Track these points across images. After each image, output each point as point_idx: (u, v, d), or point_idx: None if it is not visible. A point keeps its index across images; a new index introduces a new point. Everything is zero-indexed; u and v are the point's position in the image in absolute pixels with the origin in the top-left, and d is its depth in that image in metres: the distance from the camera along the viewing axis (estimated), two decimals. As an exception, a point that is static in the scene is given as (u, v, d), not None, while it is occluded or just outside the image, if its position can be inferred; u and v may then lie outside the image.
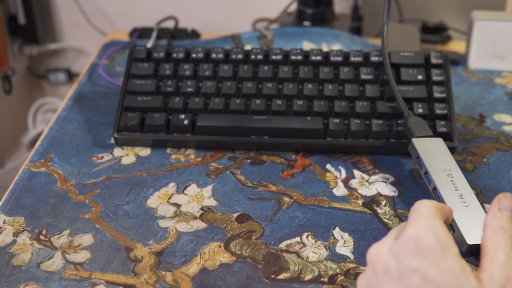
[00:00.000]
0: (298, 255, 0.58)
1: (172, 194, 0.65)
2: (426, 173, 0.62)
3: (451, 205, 0.58)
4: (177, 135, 0.71)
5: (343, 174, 0.68)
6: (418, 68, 0.75)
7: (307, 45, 0.92)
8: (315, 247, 0.58)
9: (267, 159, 0.70)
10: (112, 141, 0.73)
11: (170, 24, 1.00)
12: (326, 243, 0.59)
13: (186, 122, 0.71)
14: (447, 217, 0.52)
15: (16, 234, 0.60)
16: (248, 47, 0.91)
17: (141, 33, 0.96)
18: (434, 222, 0.46)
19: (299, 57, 0.76)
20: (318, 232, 0.60)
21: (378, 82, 0.74)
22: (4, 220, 0.62)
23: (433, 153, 0.64)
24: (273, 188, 0.66)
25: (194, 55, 0.77)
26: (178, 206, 0.64)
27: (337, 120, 0.71)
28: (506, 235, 0.48)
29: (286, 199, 0.64)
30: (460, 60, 0.89)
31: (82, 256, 0.58)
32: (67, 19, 1.38)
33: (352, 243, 0.59)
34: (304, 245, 0.59)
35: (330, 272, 0.56)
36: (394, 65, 0.75)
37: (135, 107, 0.73)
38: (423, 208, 0.47)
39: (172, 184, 0.67)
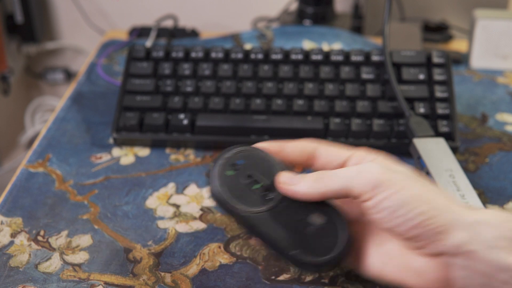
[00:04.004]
0: (299, 256, 0.57)
1: (172, 195, 0.65)
2: (428, 173, 0.61)
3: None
4: (177, 135, 0.71)
5: (344, 174, 0.67)
6: (420, 67, 0.74)
7: (307, 44, 0.91)
8: (316, 248, 0.58)
9: (267, 159, 0.70)
10: (111, 141, 0.72)
11: (169, 23, 0.99)
12: (327, 244, 0.58)
13: (185, 122, 0.70)
14: None
15: (13, 235, 0.59)
16: (248, 46, 0.91)
17: (140, 32, 0.95)
18: None
19: (300, 57, 0.75)
20: (319, 233, 0.60)
21: (379, 82, 0.74)
22: (2, 221, 0.61)
23: (434, 153, 0.63)
24: (274, 189, 0.65)
25: (193, 54, 0.76)
26: (177, 206, 0.63)
27: (338, 120, 0.71)
28: None
29: (287, 199, 0.64)
30: (462, 59, 0.89)
31: (80, 257, 0.57)
32: (65, 18, 1.37)
33: (354, 244, 0.58)
34: (305, 246, 0.58)
35: (331, 273, 0.55)
36: (396, 65, 0.74)
37: (134, 106, 0.72)
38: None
39: (171, 185, 0.66)
